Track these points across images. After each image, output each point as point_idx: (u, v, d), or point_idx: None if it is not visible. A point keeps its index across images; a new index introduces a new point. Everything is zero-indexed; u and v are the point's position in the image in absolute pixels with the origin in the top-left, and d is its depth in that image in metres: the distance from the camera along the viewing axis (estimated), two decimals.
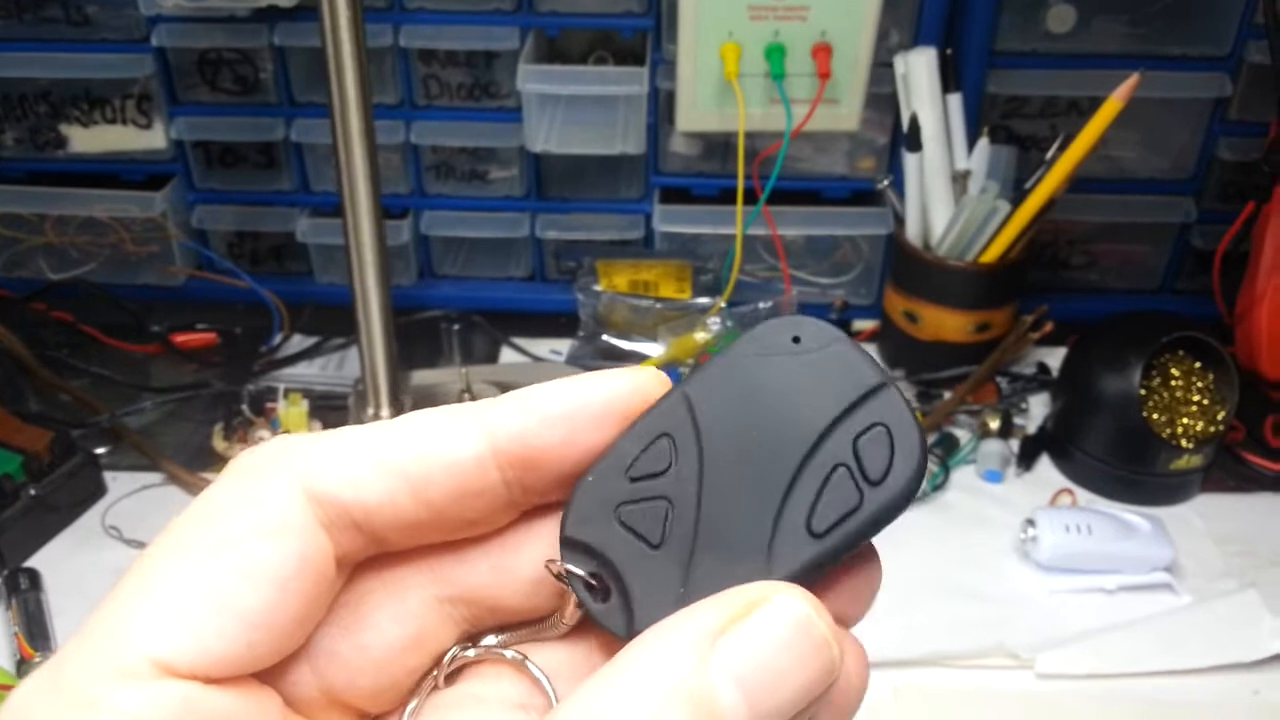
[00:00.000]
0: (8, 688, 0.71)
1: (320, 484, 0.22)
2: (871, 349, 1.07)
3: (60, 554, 0.84)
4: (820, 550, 0.23)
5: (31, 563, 0.82)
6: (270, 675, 0.23)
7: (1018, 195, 0.93)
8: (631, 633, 0.23)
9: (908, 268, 0.99)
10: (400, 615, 0.24)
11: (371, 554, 0.24)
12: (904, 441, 0.24)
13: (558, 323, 1.10)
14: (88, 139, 1.07)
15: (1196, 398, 0.89)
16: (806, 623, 0.21)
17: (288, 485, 0.22)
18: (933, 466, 0.92)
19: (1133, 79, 0.85)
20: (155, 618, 0.21)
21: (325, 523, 0.22)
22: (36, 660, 0.74)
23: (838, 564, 0.24)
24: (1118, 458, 0.89)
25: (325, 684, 0.24)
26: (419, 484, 0.23)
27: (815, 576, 0.24)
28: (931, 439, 0.94)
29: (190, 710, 0.20)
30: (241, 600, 0.21)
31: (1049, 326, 0.99)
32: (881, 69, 0.96)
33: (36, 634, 0.76)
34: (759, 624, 0.21)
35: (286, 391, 0.96)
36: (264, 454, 0.23)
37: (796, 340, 0.24)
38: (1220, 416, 0.89)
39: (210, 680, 0.21)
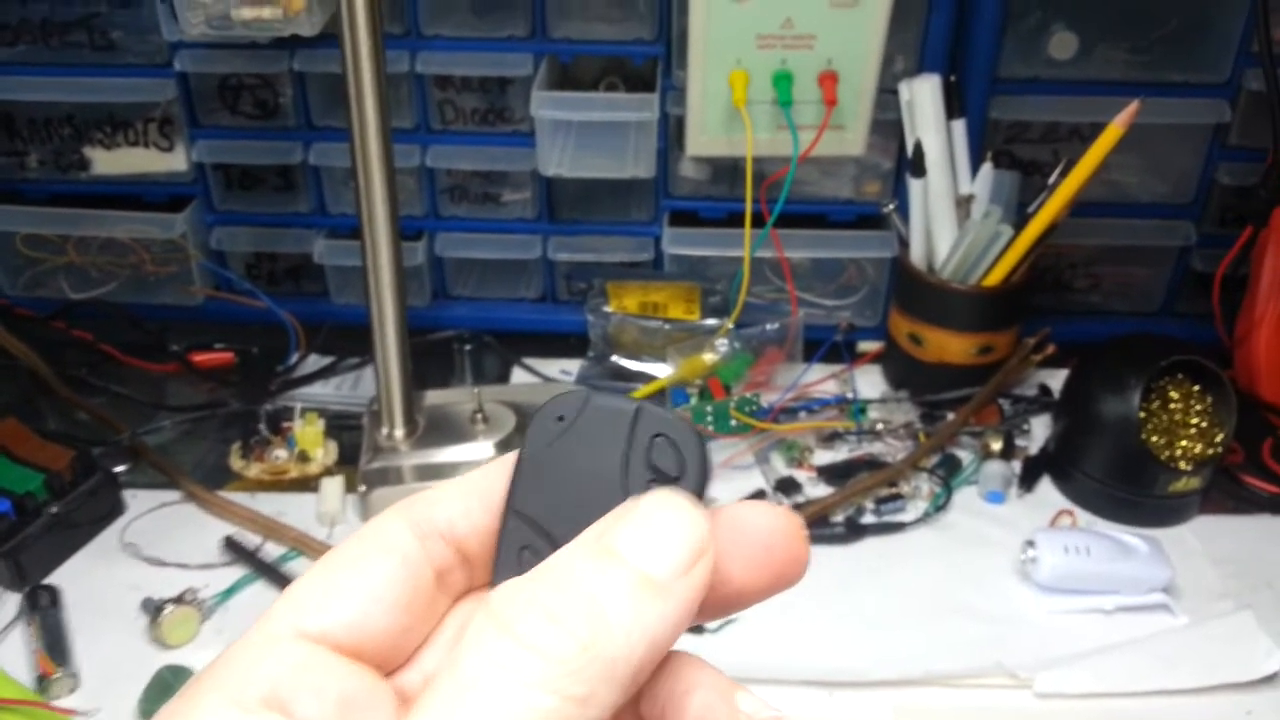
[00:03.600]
0: (27, 703, 0.73)
1: (416, 509, 0.29)
2: (876, 370, 1.08)
3: (80, 571, 0.86)
4: None
5: (51, 580, 0.84)
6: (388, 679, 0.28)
7: (1020, 219, 0.95)
8: None
9: (912, 291, 1.01)
10: None
11: (466, 583, 0.30)
12: (679, 435, 0.28)
13: (568, 343, 1.12)
14: (110, 161, 1.10)
15: (1195, 420, 0.90)
16: (671, 498, 0.26)
17: (395, 515, 0.29)
18: (935, 487, 0.94)
19: (1133, 106, 0.87)
20: (297, 601, 0.27)
21: (419, 535, 0.29)
22: (57, 676, 0.75)
23: None
24: (1117, 479, 0.91)
25: None
26: (485, 494, 0.29)
27: None
28: (934, 460, 0.96)
29: (315, 664, 0.26)
30: (358, 584, 0.28)
31: (1051, 349, 1.00)
32: (887, 95, 0.98)
33: (56, 650, 0.77)
34: (638, 513, 0.26)
35: (303, 410, 0.98)
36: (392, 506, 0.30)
37: (560, 419, 0.29)
38: (1219, 439, 0.90)
39: (338, 647, 0.27)
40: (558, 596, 0.24)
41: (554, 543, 0.27)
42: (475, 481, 0.30)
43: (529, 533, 0.28)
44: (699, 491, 0.27)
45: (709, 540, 0.26)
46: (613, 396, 0.29)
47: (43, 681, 0.75)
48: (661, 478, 0.27)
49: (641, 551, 0.25)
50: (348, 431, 0.99)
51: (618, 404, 0.28)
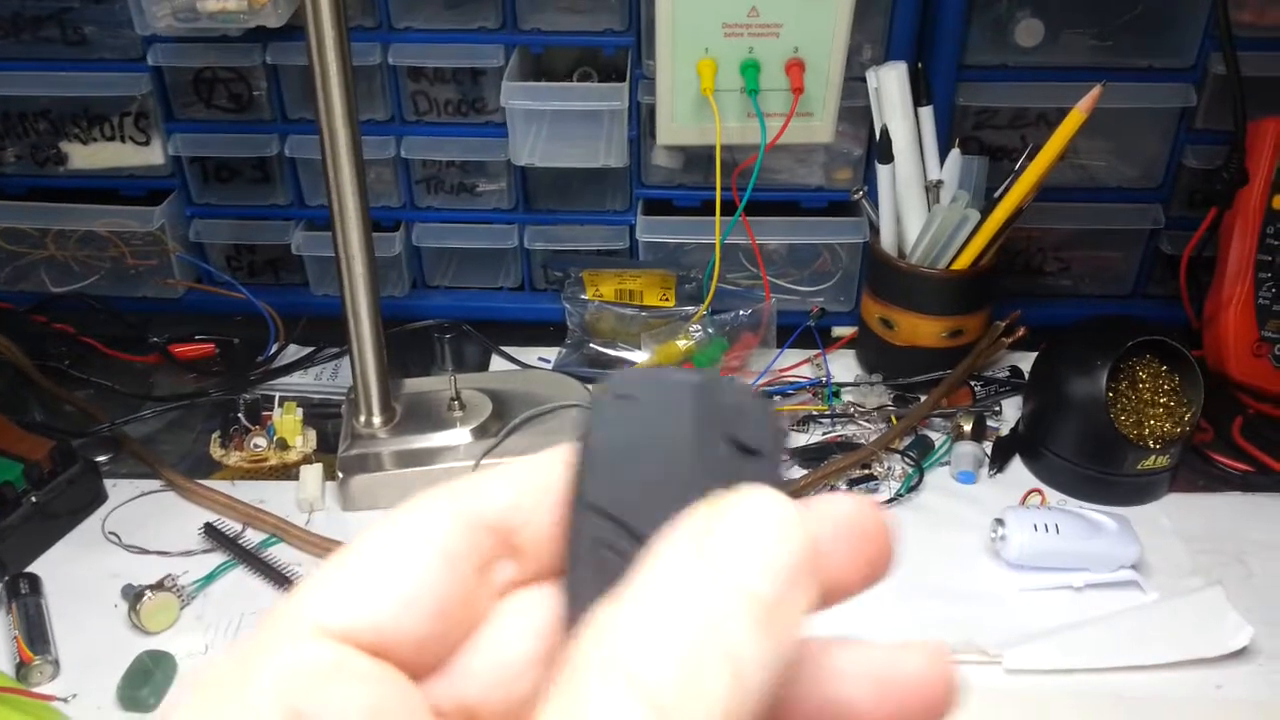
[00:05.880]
0: (5, 690, 0.73)
1: (462, 498, 0.27)
2: (849, 355, 1.10)
3: (60, 559, 0.87)
4: None
5: (32, 568, 0.85)
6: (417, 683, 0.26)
7: (988, 204, 0.96)
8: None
9: (883, 275, 1.02)
10: (531, 632, 0.27)
11: (513, 575, 0.27)
12: (753, 407, 0.26)
13: (546, 331, 1.13)
14: (87, 156, 1.10)
15: (1164, 400, 0.91)
16: (771, 498, 0.24)
17: (437, 502, 0.27)
18: (908, 468, 0.95)
19: (1095, 91, 0.88)
20: (320, 593, 0.25)
21: (465, 525, 0.26)
22: (36, 663, 0.76)
23: None
24: (1087, 458, 0.92)
25: (462, 699, 0.26)
26: (538, 490, 0.27)
27: None
28: (906, 441, 0.97)
29: (342, 668, 0.24)
30: (392, 582, 0.25)
31: (1022, 331, 1.01)
32: (856, 83, 0.99)
33: (36, 638, 0.78)
34: (736, 511, 0.23)
35: (282, 400, 0.98)
36: (429, 490, 0.27)
37: (621, 398, 0.26)
38: (1187, 417, 0.91)
39: (365, 647, 0.24)
40: (673, 632, 0.21)
41: (634, 535, 0.25)
42: (526, 474, 0.27)
43: (604, 526, 0.25)
44: (778, 468, 0.25)
45: (814, 545, 0.23)
46: (676, 370, 0.26)
47: (22, 669, 0.76)
48: (740, 450, 0.25)
49: (750, 567, 0.22)
50: (328, 420, 1.00)
51: (683, 377, 0.26)
